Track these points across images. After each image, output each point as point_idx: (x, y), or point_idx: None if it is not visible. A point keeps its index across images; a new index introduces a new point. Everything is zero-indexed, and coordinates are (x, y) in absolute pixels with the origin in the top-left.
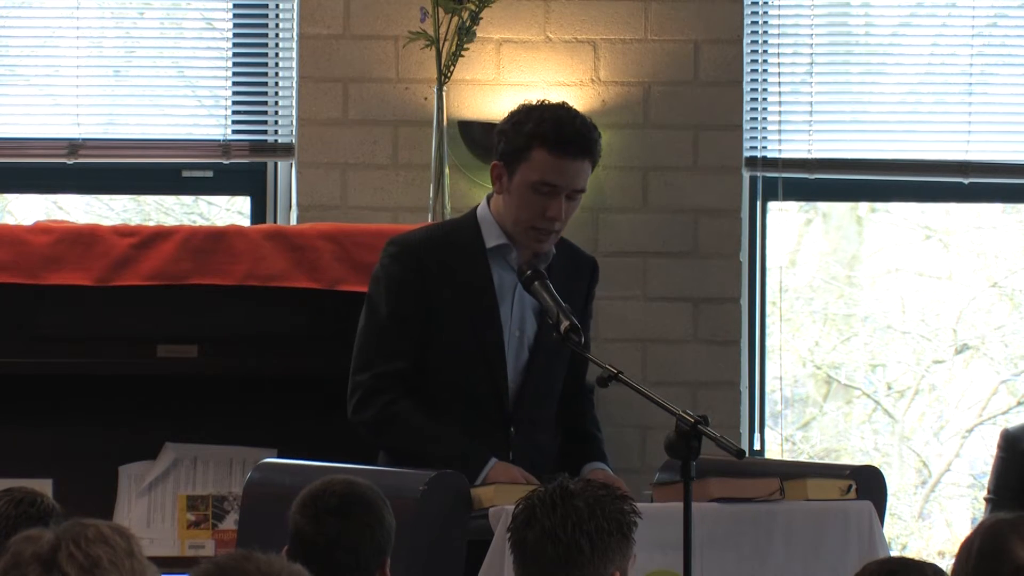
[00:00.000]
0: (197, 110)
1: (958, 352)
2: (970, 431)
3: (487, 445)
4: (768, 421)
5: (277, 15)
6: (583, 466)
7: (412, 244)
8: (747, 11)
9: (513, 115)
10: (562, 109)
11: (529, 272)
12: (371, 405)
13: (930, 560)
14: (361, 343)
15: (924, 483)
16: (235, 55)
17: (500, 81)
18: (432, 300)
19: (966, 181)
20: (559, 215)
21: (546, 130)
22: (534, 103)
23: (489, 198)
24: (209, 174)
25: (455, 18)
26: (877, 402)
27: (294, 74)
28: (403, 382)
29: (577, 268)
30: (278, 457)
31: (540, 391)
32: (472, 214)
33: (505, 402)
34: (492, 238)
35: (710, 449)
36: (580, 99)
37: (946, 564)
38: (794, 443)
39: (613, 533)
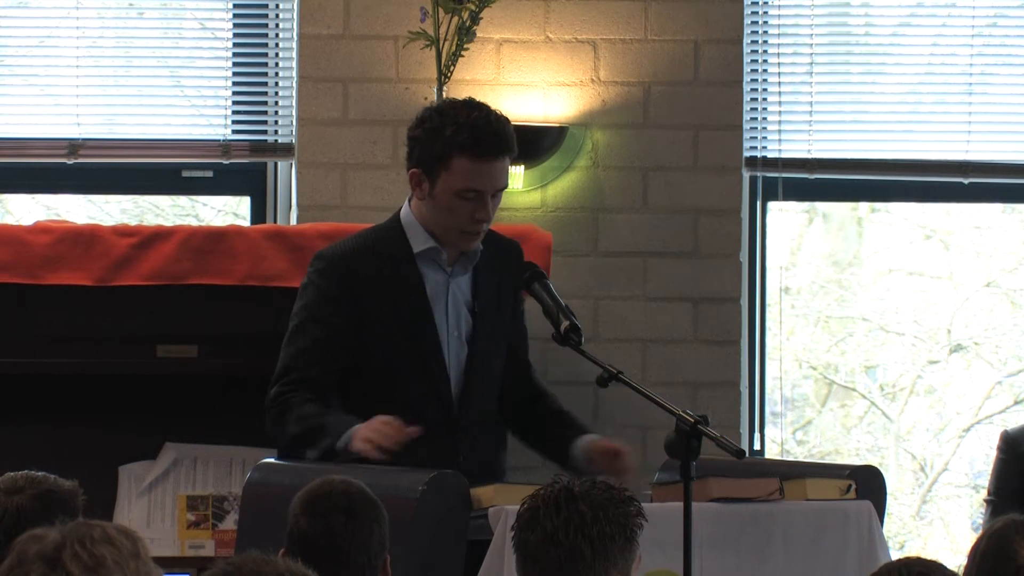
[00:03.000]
0: (197, 110)
1: (952, 351)
2: (967, 431)
3: (435, 451)
4: (768, 421)
5: (277, 15)
6: (575, 440)
7: (339, 258)
8: (747, 11)
9: (425, 120)
10: (476, 110)
11: (528, 273)
12: (275, 408)
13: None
14: (281, 358)
15: (922, 483)
16: (235, 55)
17: (500, 81)
18: (364, 313)
19: (966, 181)
20: (487, 216)
21: (464, 138)
22: (444, 105)
23: (410, 200)
24: (209, 174)
25: (455, 18)
26: (872, 402)
27: (294, 74)
28: (311, 385)
29: (504, 260)
30: (278, 457)
31: (483, 389)
32: (395, 219)
33: (449, 407)
34: (419, 242)
35: (710, 449)
36: (580, 99)
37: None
38: (793, 443)
39: (616, 538)
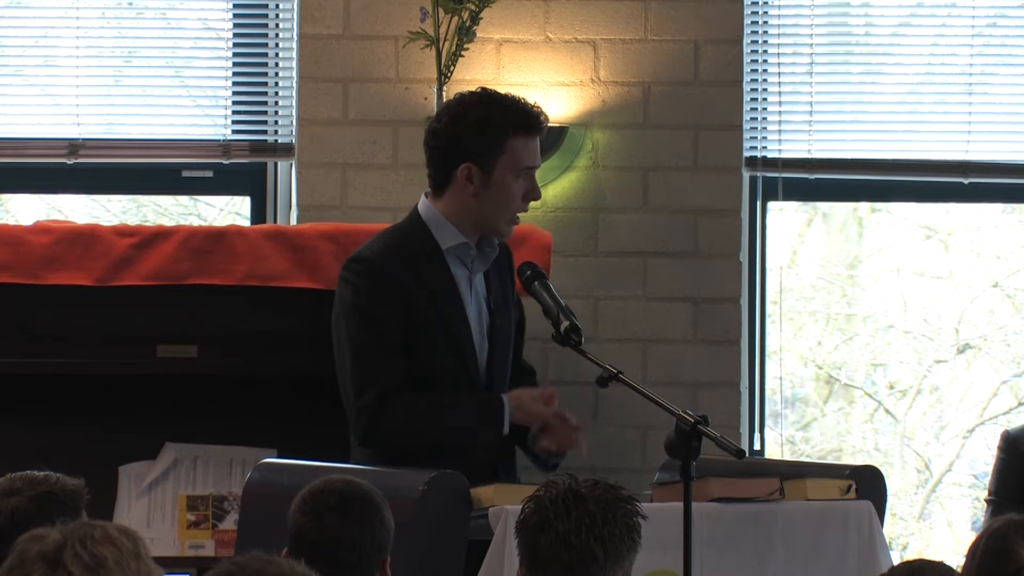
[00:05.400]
0: (197, 110)
1: (959, 352)
2: (971, 431)
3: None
4: (768, 421)
5: (277, 15)
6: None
7: (378, 258)
8: (747, 11)
9: (462, 115)
10: (505, 95)
11: (529, 272)
12: (385, 423)
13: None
14: (355, 365)
15: (925, 483)
16: (235, 55)
17: (500, 81)
18: (408, 311)
19: (966, 181)
20: (539, 193)
21: (516, 118)
22: (472, 97)
23: (426, 195)
24: (209, 174)
25: (455, 18)
26: (879, 402)
27: (294, 74)
28: (406, 394)
29: (500, 261)
30: (278, 457)
31: (502, 383)
32: (416, 218)
33: None
34: (448, 238)
35: (710, 449)
36: (580, 99)
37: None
38: (794, 443)
39: (624, 538)
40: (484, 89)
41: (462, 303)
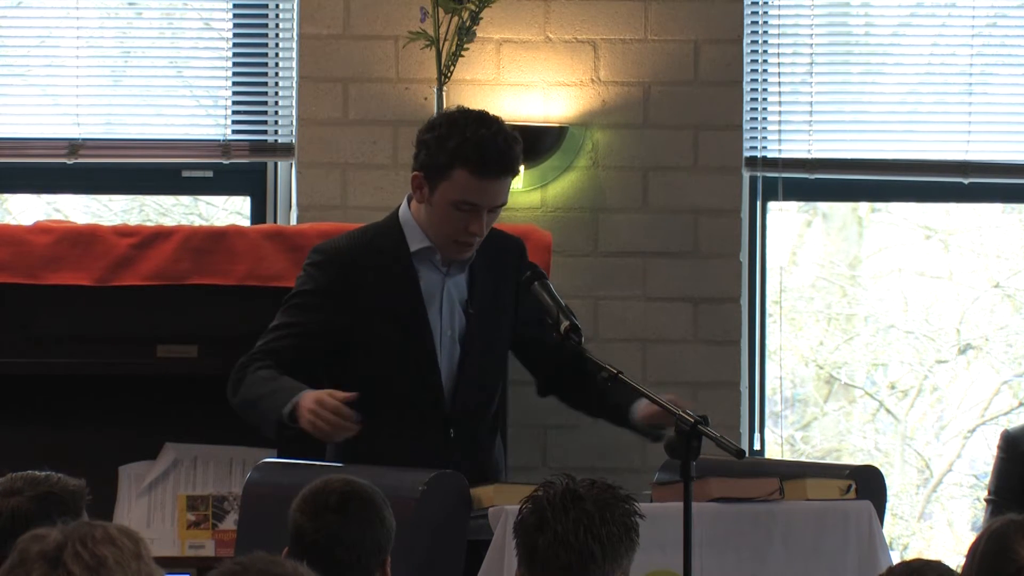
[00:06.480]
0: (197, 110)
1: (960, 352)
2: (972, 431)
3: (428, 446)
4: (768, 421)
5: (277, 15)
6: (631, 406)
7: (336, 252)
8: (747, 11)
9: (436, 126)
10: (484, 126)
11: (529, 273)
12: (231, 379)
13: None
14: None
15: (926, 483)
16: (235, 55)
17: (500, 81)
18: (360, 308)
19: (966, 181)
20: (480, 231)
21: (468, 152)
22: (456, 115)
23: (409, 199)
24: (209, 174)
25: (455, 18)
26: (880, 402)
27: (294, 74)
28: (275, 357)
29: (502, 255)
30: (278, 457)
31: (475, 388)
32: (394, 217)
33: (442, 404)
34: (416, 241)
35: (710, 449)
36: (580, 99)
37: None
38: (794, 443)
39: (622, 538)
40: (480, 113)
41: (423, 307)
